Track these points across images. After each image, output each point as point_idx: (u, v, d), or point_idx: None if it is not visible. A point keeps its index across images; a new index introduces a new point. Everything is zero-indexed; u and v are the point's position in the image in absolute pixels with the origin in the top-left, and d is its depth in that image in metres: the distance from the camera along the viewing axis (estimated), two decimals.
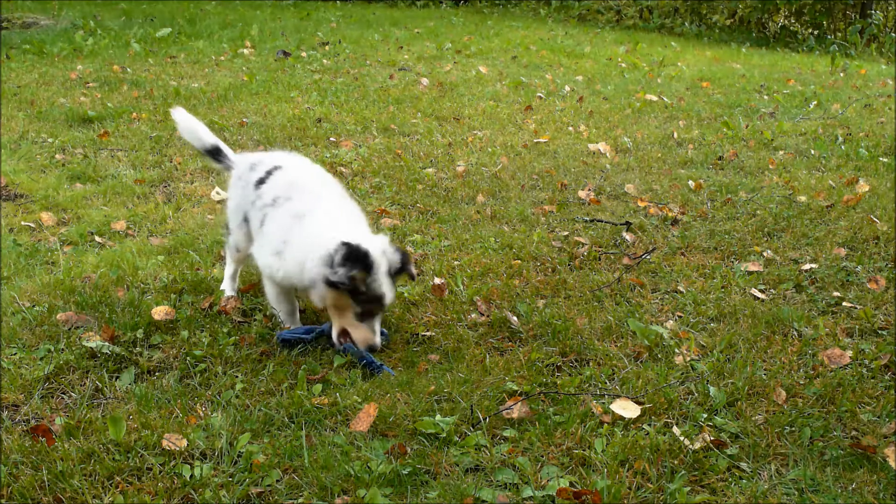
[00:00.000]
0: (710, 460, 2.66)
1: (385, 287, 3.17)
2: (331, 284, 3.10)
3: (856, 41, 13.52)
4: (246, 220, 3.60)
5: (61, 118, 7.05)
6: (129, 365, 3.19)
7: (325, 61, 10.48)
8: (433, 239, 4.58)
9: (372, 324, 3.20)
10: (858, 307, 3.75)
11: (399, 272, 3.25)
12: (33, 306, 3.60)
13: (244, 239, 3.66)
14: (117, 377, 3.12)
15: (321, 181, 3.58)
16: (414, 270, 3.31)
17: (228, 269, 3.86)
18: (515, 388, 3.06)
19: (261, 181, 3.53)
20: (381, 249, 3.18)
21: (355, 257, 3.08)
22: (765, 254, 4.40)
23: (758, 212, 5.04)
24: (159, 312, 3.49)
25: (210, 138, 3.89)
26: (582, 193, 5.41)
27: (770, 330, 3.54)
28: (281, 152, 3.87)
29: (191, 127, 3.88)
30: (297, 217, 3.31)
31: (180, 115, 3.89)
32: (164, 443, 2.66)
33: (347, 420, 2.86)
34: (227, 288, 3.82)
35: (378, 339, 3.22)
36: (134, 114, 7.25)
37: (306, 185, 3.48)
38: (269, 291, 3.49)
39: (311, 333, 3.36)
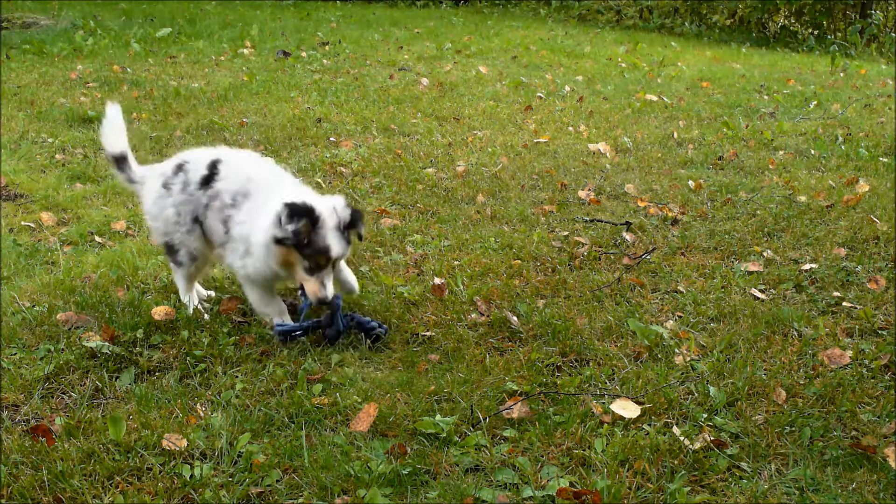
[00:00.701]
0: (710, 460, 2.66)
1: (330, 240, 3.22)
2: (277, 242, 3.19)
3: (856, 41, 13.52)
4: (197, 220, 3.50)
5: (61, 118, 7.05)
6: (129, 365, 3.19)
7: (325, 61, 10.48)
8: (433, 239, 4.57)
9: (321, 277, 3.24)
10: (858, 307, 3.75)
11: (349, 227, 3.30)
12: (33, 306, 3.60)
13: (200, 243, 3.55)
14: (117, 377, 3.12)
15: (271, 171, 3.57)
16: (363, 230, 3.38)
17: (185, 292, 3.66)
18: (515, 388, 3.06)
19: (207, 179, 3.44)
20: (331, 206, 3.26)
21: (299, 212, 3.15)
22: (765, 254, 4.40)
23: (758, 212, 5.04)
24: (159, 312, 3.49)
25: (121, 145, 3.69)
26: (582, 193, 5.41)
27: (770, 330, 3.54)
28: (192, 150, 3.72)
29: (116, 125, 3.69)
30: (256, 210, 3.33)
31: (113, 110, 3.69)
32: (164, 443, 2.66)
33: (347, 420, 2.86)
34: (192, 301, 3.66)
35: (328, 292, 3.25)
36: (134, 114, 7.25)
37: (261, 177, 3.46)
38: (252, 296, 3.48)
39: (307, 324, 3.38)
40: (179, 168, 3.53)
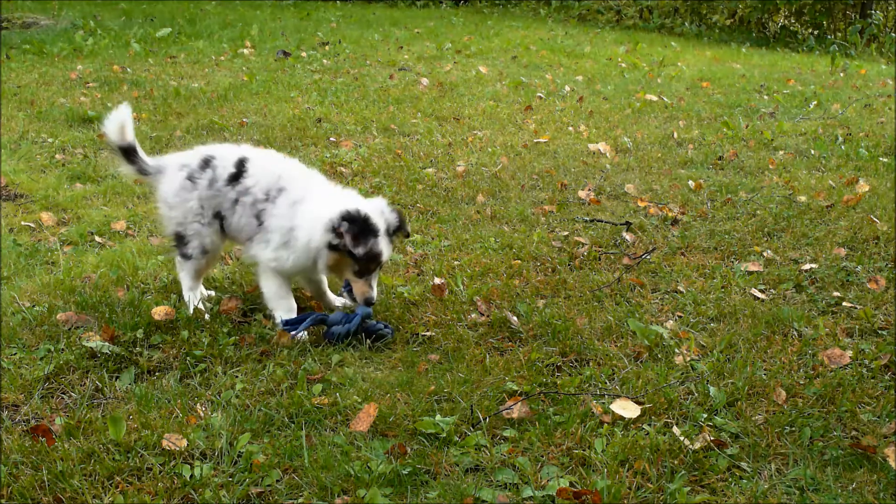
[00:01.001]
0: (710, 460, 2.66)
1: (382, 246, 3.38)
2: (332, 248, 3.34)
3: (856, 41, 13.52)
4: (218, 216, 3.58)
5: (61, 118, 7.05)
6: (129, 365, 3.19)
7: (325, 61, 10.48)
8: (433, 239, 4.57)
9: (369, 280, 3.42)
10: (858, 307, 3.75)
11: (397, 231, 3.47)
12: (33, 306, 3.59)
13: (217, 237, 3.62)
14: (117, 377, 3.12)
15: (298, 167, 3.68)
16: (409, 228, 3.51)
17: (191, 286, 3.68)
18: (515, 388, 3.06)
19: (235, 176, 3.53)
20: (379, 210, 3.41)
21: (355, 222, 3.32)
22: (765, 254, 4.40)
23: (758, 212, 5.04)
24: (159, 312, 3.49)
25: (129, 136, 3.66)
26: (582, 193, 5.41)
27: (770, 330, 3.54)
28: (216, 145, 3.80)
29: (124, 119, 3.66)
30: (295, 205, 3.45)
31: (124, 108, 3.67)
32: (164, 443, 2.66)
33: (347, 420, 2.86)
34: (192, 301, 3.66)
35: (374, 293, 3.44)
36: (134, 114, 7.21)
37: (292, 172, 3.59)
38: (270, 287, 3.53)
39: (314, 317, 3.43)
40: (206, 163, 3.58)
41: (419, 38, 13.27)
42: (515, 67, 10.75)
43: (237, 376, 3.12)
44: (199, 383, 3.08)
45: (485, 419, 2.85)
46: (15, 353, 3.23)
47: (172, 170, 3.64)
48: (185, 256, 3.64)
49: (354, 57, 10.94)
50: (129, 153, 3.66)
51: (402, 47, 12.07)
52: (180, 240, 3.64)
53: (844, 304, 3.80)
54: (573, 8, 18.35)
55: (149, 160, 3.71)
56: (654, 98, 8.67)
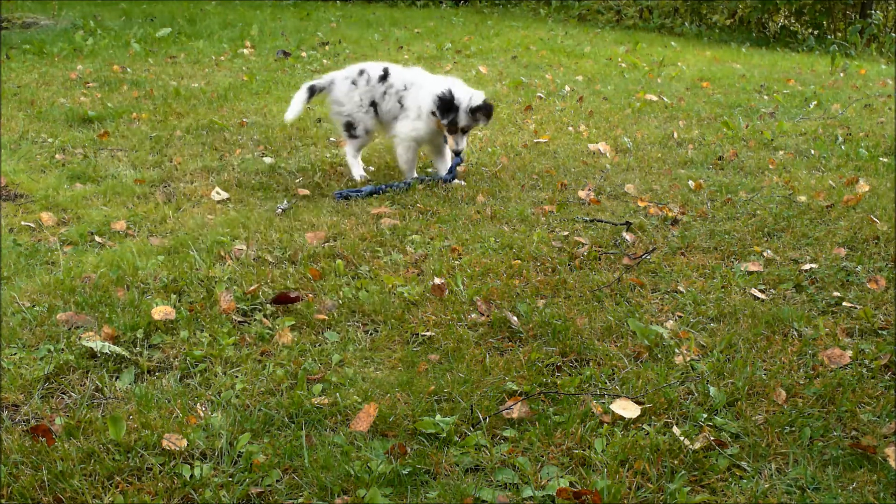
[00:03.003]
0: (710, 460, 2.67)
1: (460, 117, 5.24)
2: (433, 114, 5.31)
3: (856, 41, 13.52)
4: (373, 104, 5.50)
5: (61, 118, 7.05)
6: (129, 365, 3.19)
7: (325, 61, 10.48)
8: (433, 239, 4.57)
9: (457, 138, 5.33)
10: (858, 307, 3.75)
11: (477, 110, 5.25)
12: (33, 306, 3.60)
13: (373, 121, 5.57)
14: (117, 377, 3.12)
15: (419, 71, 5.73)
16: (491, 111, 5.36)
17: (354, 155, 5.63)
18: (515, 388, 3.06)
19: (383, 77, 5.52)
20: (468, 94, 5.24)
21: (443, 100, 5.24)
22: (765, 254, 4.40)
23: (758, 212, 5.04)
24: (159, 312, 3.49)
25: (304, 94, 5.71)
26: (582, 193, 5.41)
27: (770, 330, 3.54)
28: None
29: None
30: (419, 91, 5.43)
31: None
32: (164, 443, 2.66)
33: (347, 420, 2.86)
34: (356, 167, 5.64)
35: (461, 147, 5.37)
36: (134, 114, 7.25)
37: (417, 75, 5.62)
38: (406, 156, 5.51)
39: (365, 190, 5.23)
40: (361, 72, 5.53)
41: (419, 38, 13.27)
42: (515, 67, 10.75)
43: (237, 376, 3.12)
44: (199, 383, 3.09)
45: (485, 419, 2.85)
46: (15, 353, 3.23)
47: (340, 81, 5.55)
48: (354, 136, 5.52)
49: (354, 57, 10.93)
50: (310, 91, 5.58)
51: (402, 47, 12.08)
52: (350, 126, 5.49)
53: (844, 304, 3.80)
54: (573, 8, 18.34)
55: (321, 79, 5.65)
56: (654, 98, 8.67)
